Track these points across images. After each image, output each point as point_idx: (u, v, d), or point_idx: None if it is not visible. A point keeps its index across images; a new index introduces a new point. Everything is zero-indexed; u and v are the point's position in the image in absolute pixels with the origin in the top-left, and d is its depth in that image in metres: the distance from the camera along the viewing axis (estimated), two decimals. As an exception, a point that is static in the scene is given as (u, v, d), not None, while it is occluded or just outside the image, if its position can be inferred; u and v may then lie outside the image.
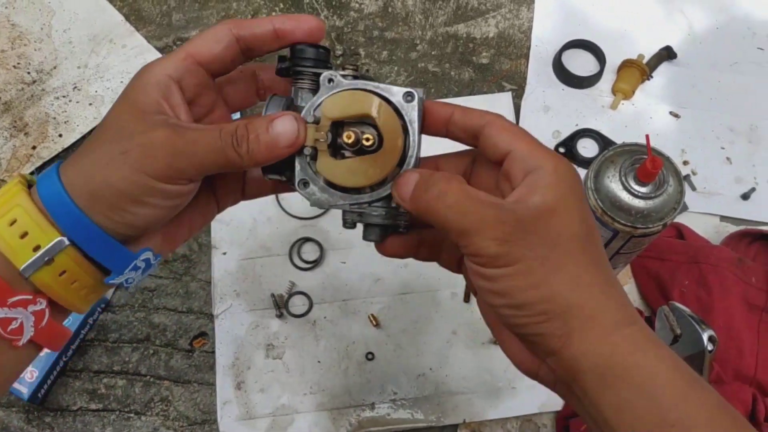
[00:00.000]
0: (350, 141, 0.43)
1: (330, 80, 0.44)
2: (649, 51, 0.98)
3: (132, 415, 0.80)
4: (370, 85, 0.44)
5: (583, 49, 0.99)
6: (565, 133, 0.93)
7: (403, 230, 0.47)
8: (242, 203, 0.88)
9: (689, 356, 0.72)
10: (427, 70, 0.98)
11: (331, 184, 0.45)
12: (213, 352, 0.82)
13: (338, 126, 0.44)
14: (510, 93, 0.96)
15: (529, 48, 1.00)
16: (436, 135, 0.47)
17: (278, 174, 0.46)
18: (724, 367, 0.78)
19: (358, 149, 0.44)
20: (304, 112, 0.44)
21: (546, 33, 1.01)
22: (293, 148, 0.43)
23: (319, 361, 0.82)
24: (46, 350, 0.77)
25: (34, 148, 0.93)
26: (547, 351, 0.41)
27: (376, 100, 0.43)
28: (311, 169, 0.45)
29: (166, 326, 0.84)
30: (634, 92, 0.95)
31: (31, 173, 0.43)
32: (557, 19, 1.02)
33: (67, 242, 0.41)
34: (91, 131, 0.93)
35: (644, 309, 0.84)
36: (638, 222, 0.65)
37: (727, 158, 0.93)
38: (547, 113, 0.95)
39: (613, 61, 0.97)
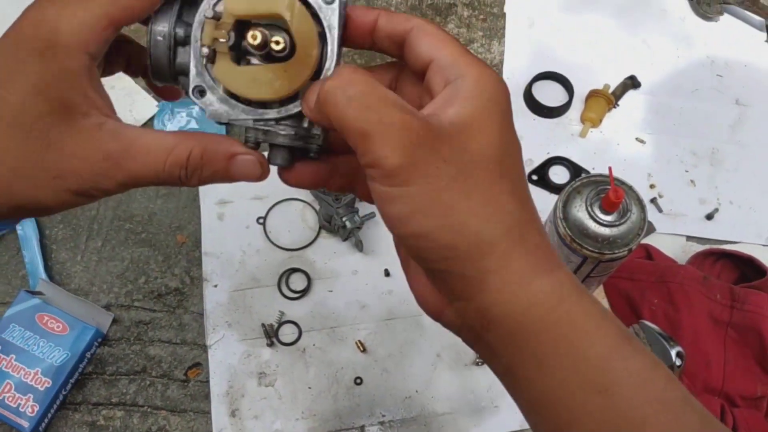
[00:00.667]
0: (256, 42, 0.37)
1: None
2: (614, 81, 1.04)
3: (131, 445, 0.84)
4: None
5: (552, 80, 1.04)
6: (537, 161, 0.98)
7: (315, 155, 0.41)
8: (231, 238, 0.92)
9: (659, 371, 0.76)
10: (405, 104, 1.03)
11: (233, 95, 0.39)
12: (207, 382, 0.86)
13: (243, 27, 0.38)
14: (484, 124, 1.01)
15: (501, 80, 1.05)
16: (361, 47, 0.40)
17: (169, 81, 0.41)
18: (693, 380, 0.82)
19: (266, 54, 0.38)
20: (203, 6, 0.38)
21: (516, 66, 1.06)
22: (253, 181, 0.40)
23: (309, 387, 0.85)
24: (45, 385, 0.80)
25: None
26: (456, 294, 0.37)
27: None
28: (209, 75, 0.39)
29: (161, 358, 0.87)
30: (601, 120, 1.01)
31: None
32: (527, 52, 1.07)
33: None
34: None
35: (617, 327, 0.89)
36: (605, 248, 0.70)
37: (691, 181, 0.98)
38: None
39: (581, 91, 1.03)
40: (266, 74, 0.37)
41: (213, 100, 0.39)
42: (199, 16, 0.38)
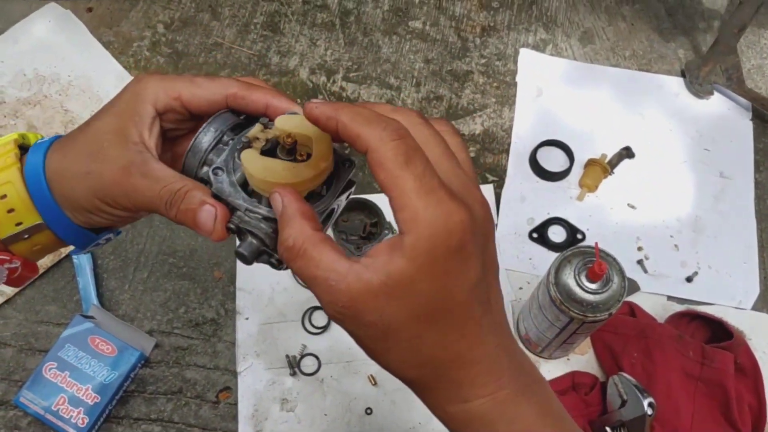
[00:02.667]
0: (289, 141, 0.44)
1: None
2: (611, 149, 1.15)
3: (166, 456, 0.95)
4: None
5: (556, 147, 1.16)
6: (538, 221, 1.10)
7: (275, 263, 0.46)
8: (262, 276, 1.03)
9: (633, 419, 0.88)
10: (422, 161, 1.15)
11: (243, 186, 0.45)
12: (236, 404, 0.97)
13: (276, 141, 0.45)
14: (492, 184, 1.12)
15: (509, 144, 1.17)
16: None
17: (195, 168, 0.49)
18: (664, 427, 0.93)
19: (290, 158, 0.45)
20: (259, 121, 0.47)
21: (524, 131, 1.18)
22: (207, 234, 0.45)
23: (325, 414, 0.97)
24: (95, 400, 0.91)
25: (84, 221, 1.09)
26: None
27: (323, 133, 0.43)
28: (234, 160, 0.46)
29: (196, 380, 0.99)
30: (597, 186, 1.12)
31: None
32: (534, 119, 1.19)
33: (44, 226, 0.49)
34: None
35: (600, 375, 1.00)
36: (588, 311, 0.82)
37: (675, 245, 1.09)
38: (523, 202, 1.11)
39: (580, 158, 1.14)
40: (280, 166, 0.43)
41: (224, 180, 0.45)
42: (250, 127, 0.47)
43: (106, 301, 1.03)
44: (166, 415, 0.97)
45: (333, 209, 0.47)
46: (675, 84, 1.24)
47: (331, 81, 1.22)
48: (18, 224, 0.48)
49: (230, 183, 0.45)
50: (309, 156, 0.44)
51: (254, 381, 0.98)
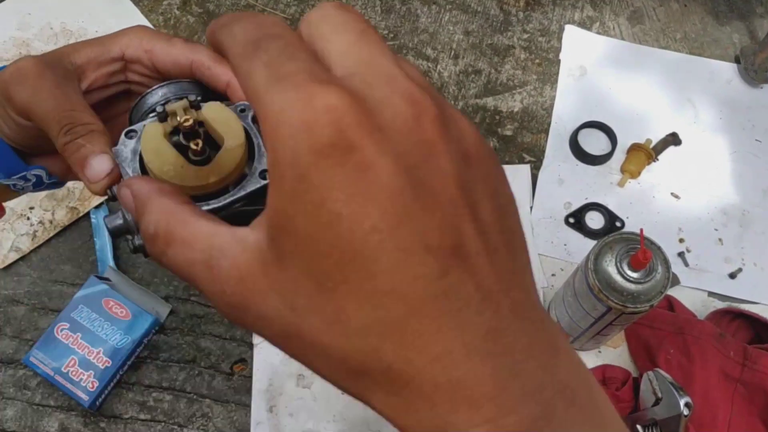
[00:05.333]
0: (187, 125, 0.39)
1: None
2: (656, 135, 1.09)
3: (176, 427, 0.92)
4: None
5: (598, 130, 1.10)
6: (576, 205, 1.04)
7: (131, 245, 0.39)
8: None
9: (667, 418, 0.83)
10: (456, 137, 1.10)
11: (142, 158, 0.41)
12: (250, 377, 0.94)
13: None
14: (529, 165, 1.07)
15: (549, 124, 1.11)
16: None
17: (133, 123, 0.44)
18: (698, 430, 0.88)
19: (181, 147, 0.39)
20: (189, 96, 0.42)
21: (565, 112, 1.12)
22: (86, 182, 0.40)
23: (342, 393, 0.93)
24: (106, 364, 0.88)
25: (104, 180, 1.05)
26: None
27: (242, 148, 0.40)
28: (142, 121, 0.43)
29: (211, 350, 0.95)
30: (640, 173, 1.07)
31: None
32: (576, 99, 1.13)
33: None
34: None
35: (633, 370, 0.95)
36: (628, 302, 0.76)
37: (719, 239, 1.04)
38: (560, 185, 1.06)
39: (623, 143, 1.09)
40: (173, 158, 0.39)
41: (129, 144, 0.41)
42: (180, 100, 0.42)
43: (123, 263, 1.00)
44: (178, 384, 0.94)
45: (236, 214, 0.41)
46: (728, 70, 1.17)
47: (365, 49, 1.17)
48: None
49: (133, 149, 0.41)
50: (209, 154, 0.39)
51: (270, 354, 0.95)
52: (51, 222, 1.02)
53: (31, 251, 1.00)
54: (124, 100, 0.49)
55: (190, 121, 0.39)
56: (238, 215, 0.41)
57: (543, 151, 1.09)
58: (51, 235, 1.01)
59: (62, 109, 0.41)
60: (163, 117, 0.40)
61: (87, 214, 1.02)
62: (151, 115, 0.44)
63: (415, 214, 0.23)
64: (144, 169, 0.41)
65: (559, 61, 1.17)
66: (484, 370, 0.23)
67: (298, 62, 0.24)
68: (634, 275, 0.76)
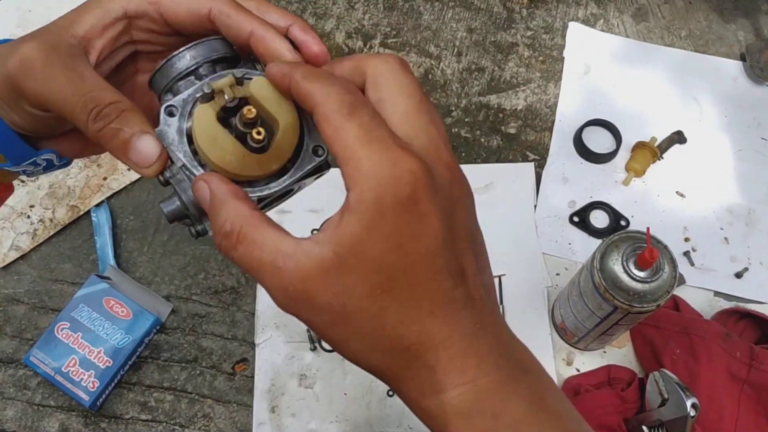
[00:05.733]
0: (250, 116, 0.38)
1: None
2: (661, 133, 1.08)
3: (177, 427, 0.91)
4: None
5: (602, 127, 1.09)
6: (580, 204, 1.04)
7: (194, 233, 0.42)
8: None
9: (673, 419, 0.82)
10: (459, 135, 1.09)
11: (189, 138, 0.40)
12: (252, 377, 0.93)
13: (239, 107, 0.39)
14: (533, 163, 1.06)
15: (553, 122, 1.10)
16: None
17: (159, 89, 0.42)
18: (704, 431, 0.87)
19: (242, 135, 0.39)
20: (235, 70, 0.41)
21: (569, 109, 1.11)
22: (139, 167, 0.39)
23: (345, 394, 0.92)
24: (107, 364, 0.87)
25: (105, 179, 1.05)
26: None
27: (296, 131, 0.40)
28: (190, 108, 0.40)
29: (212, 350, 0.95)
30: (645, 171, 1.06)
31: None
32: (581, 97, 1.12)
33: None
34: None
35: (638, 370, 0.94)
36: (635, 301, 0.76)
37: (725, 238, 1.03)
38: (565, 184, 1.05)
39: (628, 141, 1.08)
40: (232, 146, 0.39)
41: (173, 124, 0.40)
42: (224, 73, 0.41)
43: (124, 262, 0.99)
44: (179, 384, 0.93)
45: (289, 191, 0.41)
46: (733, 68, 1.16)
47: (368, 46, 1.16)
48: None
49: (178, 129, 0.40)
50: (267, 139, 0.39)
51: (272, 354, 0.94)
52: (51, 220, 1.01)
53: (31, 250, 0.99)
54: (130, 62, 0.46)
55: (254, 113, 0.38)
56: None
57: (547, 150, 1.08)
58: (51, 233, 1.00)
59: (81, 93, 0.38)
60: (209, 96, 0.39)
61: (87, 213, 1.02)
62: (176, 86, 0.42)
63: (445, 248, 0.34)
64: (193, 151, 0.39)
65: (563, 59, 1.16)
66: (470, 348, 0.35)
67: (384, 129, 0.34)
68: (641, 274, 0.75)
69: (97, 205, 1.02)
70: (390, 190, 0.32)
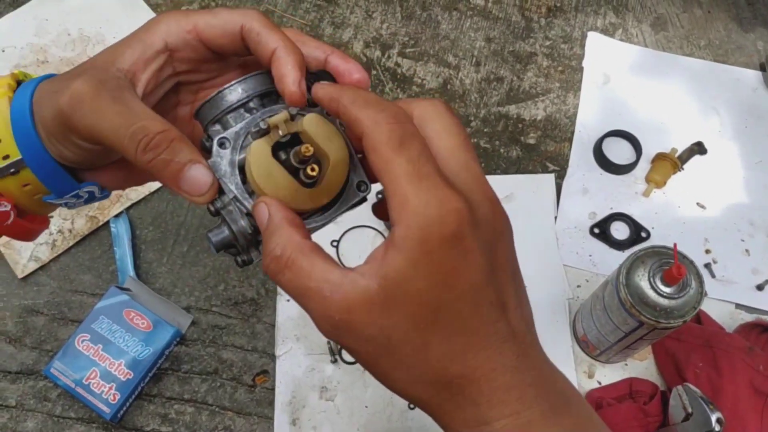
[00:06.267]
0: (307, 154, 0.39)
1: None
2: (681, 144, 1.08)
3: (198, 439, 0.91)
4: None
5: (622, 138, 1.09)
6: (601, 215, 1.03)
7: (240, 262, 0.43)
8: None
9: (698, 434, 0.81)
10: (478, 146, 1.09)
11: (241, 170, 0.41)
12: (273, 389, 0.93)
13: (293, 143, 0.41)
14: (553, 174, 1.06)
15: (573, 133, 1.10)
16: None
17: (206, 121, 0.43)
18: (728, 445, 0.87)
19: (295, 170, 0.40)
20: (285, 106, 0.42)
21: (589, 120, 1.11)
22: (192, 195, 0.40)
23: (366, 406, 0.92)
24: (127, 376, 0.87)
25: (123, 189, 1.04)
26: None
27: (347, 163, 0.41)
28: (246, 138, 0.41)
29: (232, 362, 0.94)
30: (665, 182, 1.05)
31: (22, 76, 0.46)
32: (600, 108, 1.12)
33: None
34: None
35: (661, 383, 0.94)
36: (661, 317, 0.75)
37: (746, 250, 1.02)
38: (585, 195, 1.05)
39: (648, 152, 1.07)
40: (286, 181, 0.40)
41: (225, 156, 0.41)
42: (276, 108, 0.43)
43: (143, 273, 0.99)
44: (200, 396, 0.93)
45: (324, 224, 0.43)
46: (753, 78, 1.16)
47: (386, 56, 1.16)
48: (5, 157, 0.43)
49: (230, 162, 0.41)
50: (318, 172, 0.40)
51: (293, 366, 0.94)
52: (70, 231, 1.01)
53: (51, 260, 0.99)
54: (172, 95, 0.47)
55: (311, 151, 0.39)
56: None
57: (567, 160, 1.08)
58: (70, 244, 1.00)
59: (130, 124, 0.39)
60: (264, 131, 0.40)
61: (106, 224, 1.02)
62: (225, 119, 0.43)
63: (488, 282, 0.35)
64: (243, 181, 0.41)
65: (582, 69, 1.15)
66: (513, 381, 0.36)
67: (431, 165, 0.35)
68: (668, 290, 0.75)
69: (116, 216, 1.02)
70: (436, 230, 0.33)
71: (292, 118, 0.41)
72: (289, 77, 0.41)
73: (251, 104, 0.43)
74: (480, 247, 0.35)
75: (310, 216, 0.41)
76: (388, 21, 1.20)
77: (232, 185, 0.40)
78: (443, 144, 0.37)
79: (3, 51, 1.15)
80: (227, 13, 0.43)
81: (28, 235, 0.48)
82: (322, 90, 0.39)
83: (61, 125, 0.41)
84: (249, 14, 0.43)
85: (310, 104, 0.42)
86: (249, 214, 0.41)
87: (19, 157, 0.43)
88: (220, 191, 0.41)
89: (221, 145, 0.41)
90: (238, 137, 0.41)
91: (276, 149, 0.41)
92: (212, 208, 0.41)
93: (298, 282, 0.36)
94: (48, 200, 0.45)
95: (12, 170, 0.43)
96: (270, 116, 0.41)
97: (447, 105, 0.39)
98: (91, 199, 0.47)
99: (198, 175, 0.39)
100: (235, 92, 0.43)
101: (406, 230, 0.34)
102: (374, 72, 1.14)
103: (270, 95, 0.44)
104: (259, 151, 0.40)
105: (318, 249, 0.37)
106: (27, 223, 0.47)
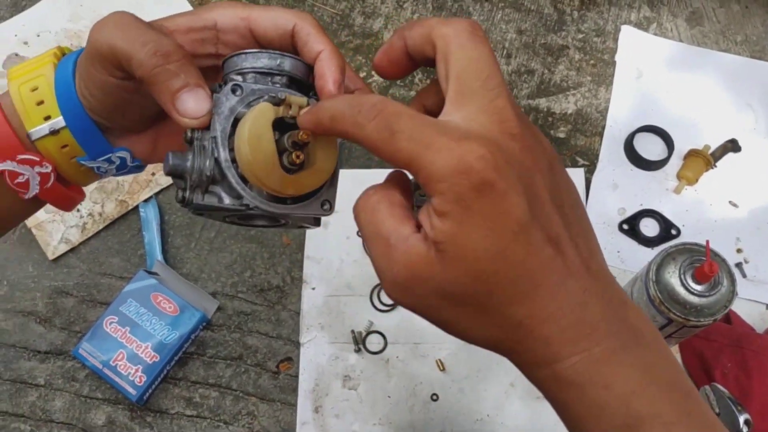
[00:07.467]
0: (305, 139, 0.40)
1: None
2: (715, 141, 1.06)
3: (221, 424, 0.91)
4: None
5: (654, 134, 1.07)
6: (630, 211, 1.02)
7: (180, 195, 0.42)
8: (332, 245, 0.98)
9: (725, 435, 0.80)
10: (507, 139, 1.08)
11: (234, 124, 0.42)
12: (296, 377, 0.93)
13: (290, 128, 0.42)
14: (582, 169, 1.05)
15: (603, 127, 1.08)
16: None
17: (231, 68, 0.44)
18: (756, 447, 0.85)
19: (281, 150, 0.41)
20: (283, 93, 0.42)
21: (621, 115, 1.09)
22: (183, 116, 0.41)
23: (389, 396, 0.92)
24: (153, 359, 0.88)
25: (153, 174, 1.05)
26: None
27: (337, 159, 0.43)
28: (254, 99, 0.42)
29: (257, 348, 0.95)
30: (697, 180, 1.03)
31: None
32: (632, 102, 1.10)
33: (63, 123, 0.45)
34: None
35: (687, 383, 0.92)
36: (691, 315, 0.74)
37: (779, 250, 1.01)
38: (614, 191, 1.04)
39: (680, 148, 1.06)
40: (269, 152, 0.40)
41: (231, 100, 0.42)
42: (298, 94, 0.43)
43: (171, 258, 1.00)
44: (224, 381, 0.93)
45: (277, 224, 0.45)
46: (790, 75, 1.13)
47: (416, 47, 1.15)
48: (46, 118, 0.45)
49: (231, 108, 0.41)
50: (301, 164, 0.41)
51: (317, 354, 0.94)
52: (100, 214, 1.02)
53: (81, 243, 1.01)
54: (209, 74, 0.47)
55: (306, 140, 0.39)
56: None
57: (597, 155, 1.06)
58: (100, 227, 1.01)
59: (146, 38, 0.40)
60: (277, 102, 0.41)
61: (136, 208, 1.03)
62: (249, 75, 0.43)
63: (534, 220, 0.35)
64: (232, 134, 0.41)
65: (614, 63, 1.14)
66: (581, 316, 0.36)
67: (433, 128, 0.34)
68: (699, 288, 0.74)
69: (146, 201, 1.03)
70: (465, 184, 0.33)
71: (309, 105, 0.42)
72: (330, 78, 0.43)
73: (278, 78, 0.44)
74: (516, 187, 0.34)
75: (267, 198, 0.42)
76: (419, 11, 1.19)
77: (219, 126, 0.41)
78: (464, 85, 0.36)
79: (38, 36, 1.16)
80: (282, 10, 0.45)
81: (66, 202, 0.50)
82: (304, 119, 0.40)
83: (87, 53, 0.42)
84: (303, 15, 0.44)
85: None
86: (217, 160, 0.41)
87: (60, 117, 0.44)
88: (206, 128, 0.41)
89: (233, 90, 0.42)
90: (252, 93, 0.42)
91: (276, 124, 0.41)
92: (189, 135, 0.41)
93: (373, 224, 0.37)
94: (82, 161, 0.47)
95: (52, 129, 0.45)
96: (293, 95, 0.41)
97: (472, 28, 0.37)
98: (123, 166, 0.49)
99: (197, 99, 0.41)
100: (274, 60, 0.43)
101: (440, 197, 0.34)
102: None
103: (300, 84, 0.45)
104: (263, 111, 0.40)
105: (403, 206, 0.38)
106: (65, 189, 0.48)
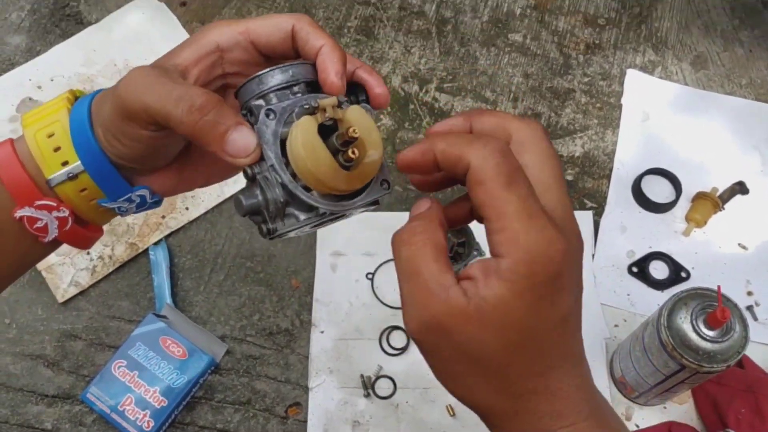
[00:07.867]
0: (354, 135, 0.41)
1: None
2: (723, 184, 1.06)
3: (229, 470, 0.90)
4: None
5: (662, 176, 1.08)
6: (639, 254, 1.02)
7: (264, 231, 0.44)
8: (341, 289, 0.98)
9: (740, 483, 0.79)
10: (515, 181, 1.09)
11: (282, 143, 0.43)
12: (305, 422, 0.92)
13: (332, 131, 0.43)
14: (591, 211, 1.05)
15: (611, 170, 1.09)
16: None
17: (250, 97, 0.45)
18: (771, 495, 0.84)
19: (333, 151, 0.42)
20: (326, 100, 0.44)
21: (628, 157, 1.10)
22: (235, 157, 0.42)
23: (399, 442, 0.91)
24: (161, 404, 0.88)
25: (163, 217, 1.06)
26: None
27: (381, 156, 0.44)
28: (292, 114, 0.43)
29: (266, 393, 0.94)
30: (706, 222, 1.04)
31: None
32: (639, 145, 1.11)
33: (82, 167, 0.46)
34: (216, 206, 1.06)
35: (700, 428, 0.91)
36: (704, 361, 0.74)
37: (790, 293, 1.00)
38: (623, 233, 1.04)
39: (688, 191, 1.06)
40: (327, 159, 0.42)
41: (270, 126, 0.43)
42: (323, 95, 0.45)
43: (180, 301, 1.00)
44: (232, 427, 0.93)
45: (343, 215, 0.46)
46: (796, 117, 1.14)
47: (423, 90, 1.17)
48: (64, 163, 0.46)
49: (273, 132, 0.43)
50: (357, 157, 0.42)
51: (326, 399, 0.93)
52: (110, 257, 1.03)
53: (90, 286, 1.01)
54: (221, 95, 0.49)
55: (357, 134, 0.41)
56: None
57: (605, 198, 1.07)
58: (110, 270, 1.02)
59: (176, 94, 0.41)
60: (311, 111, 0.43)
61: (145, 251, 1.03)
62: (271, 96, 0.44)
63: (574, 313, 0.39)
64: (284, 153, 0.42)
65: (620, 106, 1.15)
66: (575, 396, 0.39)
67: (538, 204, 0.37)
68: (711, 334, 0.74)
69: (155, 244, 1.03)
70: (543, 268, 0.36)
71: (339, 105, 0.43)
72: (332, 69, 0.44)
73: (296, 88, 0.45)
74: (572, 284, 0.38)
75: (337, 200, 0.43)
76: (426, 56, 1.21)
77: (272, 153, 0.42)
78: (542, 176, 0.39)
79: (52, 80, 1.18)
80: (278, 16, 0.46)
81: (84, 242, 0.50)
82: (406, 156, 0.41)
83: (116, 111, 0.43)
84: (299, 16, 0.46)
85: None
86: (283, 185, 0.42)
87: (78, 162, 0.45)
88: (259, 159, 0.43)
89: (267, 115, 0.43)
90: (285, 112, 0.43)
91: (318, 130, 0.42)
92: (249, 173, 0.43)
93: (414, 262, 0.38)
94: (102, 203, 0.47)
95: (70, 174, 0.46)
96: (322, 99, 0.43)
97: (543, 129, 0.41)
98: (143, 204, 0.49)
99: (243, 137, 0.42)
100: (285, 73, 0.45)
101: (514, 264, 0.36)
102: (412, 106, 1.15)
103: (314, 85, 0.46)
104: (306, 126, 0.41)
105: (445, 254, 0.39)
106: (83, 230, 0.49)
